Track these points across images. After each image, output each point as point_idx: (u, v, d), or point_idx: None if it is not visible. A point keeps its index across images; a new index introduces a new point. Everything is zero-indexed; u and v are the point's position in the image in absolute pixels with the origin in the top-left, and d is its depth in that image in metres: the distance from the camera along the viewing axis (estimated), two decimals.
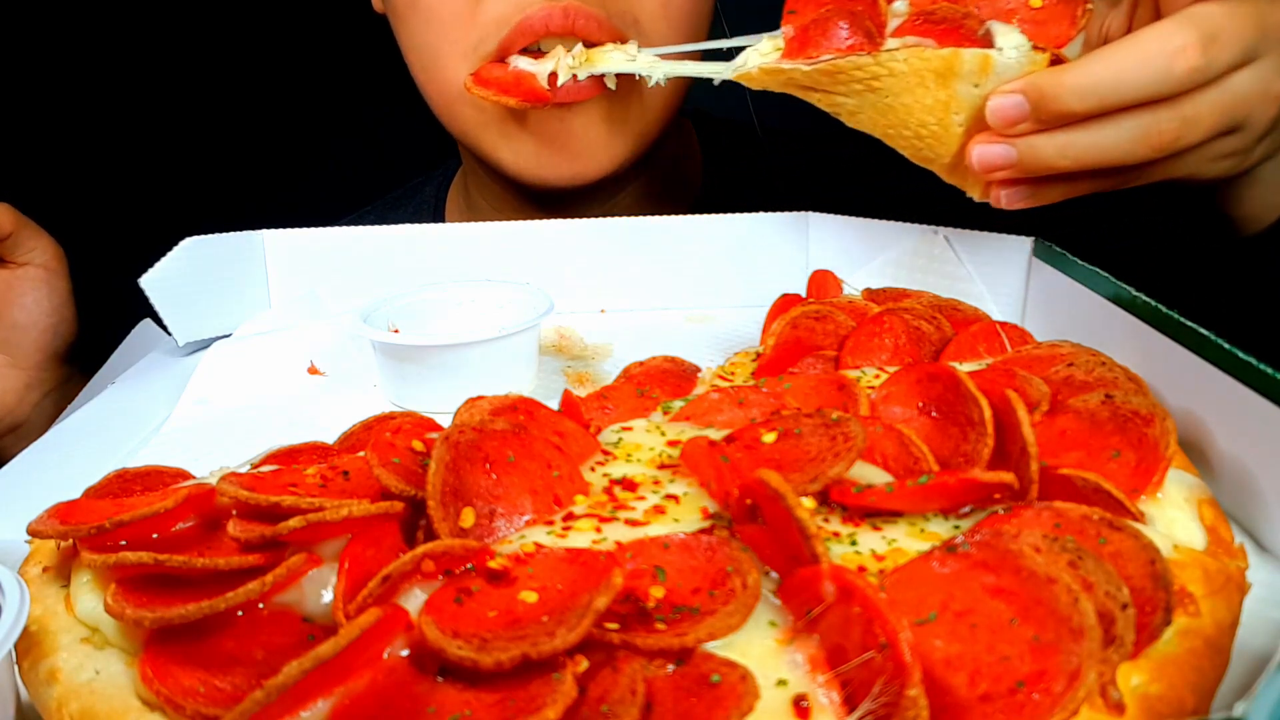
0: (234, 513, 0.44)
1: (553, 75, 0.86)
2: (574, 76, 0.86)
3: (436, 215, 1.21)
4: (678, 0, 0.91)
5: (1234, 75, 0.60)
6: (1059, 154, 0.62)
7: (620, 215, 0.94)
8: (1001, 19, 0.66)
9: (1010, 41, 0.65)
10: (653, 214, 0.93)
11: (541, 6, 0.85)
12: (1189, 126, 0.60)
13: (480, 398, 0.55)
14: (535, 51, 0.88)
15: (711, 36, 0.92)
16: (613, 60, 0.85)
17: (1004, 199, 0.68)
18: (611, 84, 0.87)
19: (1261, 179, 0.72)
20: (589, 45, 0.86)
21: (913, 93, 0.66)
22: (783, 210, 0.91)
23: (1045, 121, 0.62)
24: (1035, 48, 0.64)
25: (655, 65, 0.83)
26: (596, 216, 1.04)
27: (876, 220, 0.87)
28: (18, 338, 0.90)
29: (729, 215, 0.92)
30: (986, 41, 0.65)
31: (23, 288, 0.90)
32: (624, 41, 0.86)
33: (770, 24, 0.73)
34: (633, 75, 0.84)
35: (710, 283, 0.92)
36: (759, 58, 0.71)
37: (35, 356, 0.90)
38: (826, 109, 0.72)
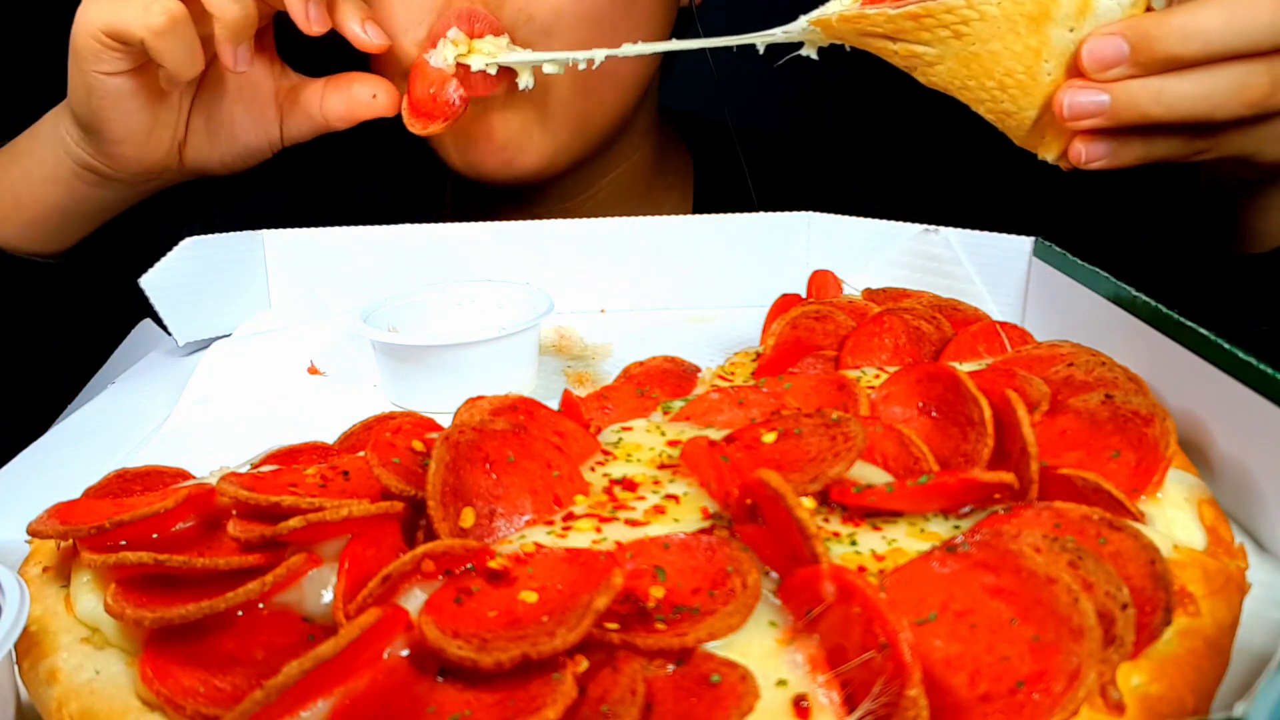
0: (234, 513, 0.44)
1: (463, 69, 0.85)
2: (484, 71, 0.85)
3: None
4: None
5: None
6: (1153, 100, 0.61)
7: (602, 212, 0.93)
8: None
9: None
10: (638, 209, 0.92)
11: (448, 6, 0.85)
12: (1278, 87, 0.60)
13: (480, 398, 0.55)
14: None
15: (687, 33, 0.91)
16: (495, 47, 0.84)
17: (1084, 153, 0.66)
18: (525, 82, 0.86)
19: None
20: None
21: (1002, 39, 0.64)
22: (781, 210, 0.91)
23: (1143, 66, 0.61)
24: None
25: (651, 46, 0.81)
26: (574, 209, 1.03)
27: (876, 220, 0.87)
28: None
29: (729, 215, 0.92)
30: None
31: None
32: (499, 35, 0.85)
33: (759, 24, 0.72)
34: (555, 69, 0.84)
35: (710, 283, 0.92)
36: (839, 6, 0.69)
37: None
38: (901, 63, 0.69)
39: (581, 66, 0.83)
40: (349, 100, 0.90)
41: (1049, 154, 0.70)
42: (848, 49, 0.72)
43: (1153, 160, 0.66)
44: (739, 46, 0.76)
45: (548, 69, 0.85)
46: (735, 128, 1.10)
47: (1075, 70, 0.64)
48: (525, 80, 0.86)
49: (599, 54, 0.82)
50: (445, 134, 0.91)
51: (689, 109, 1.21)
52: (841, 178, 1.15)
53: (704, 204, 1.14)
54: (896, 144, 1.32)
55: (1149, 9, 0.63)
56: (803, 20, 0.71)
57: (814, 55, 0.73)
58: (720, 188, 1.16)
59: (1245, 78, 0.60)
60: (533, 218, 0.91)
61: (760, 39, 0.74)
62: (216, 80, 0.89)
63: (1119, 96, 0.62)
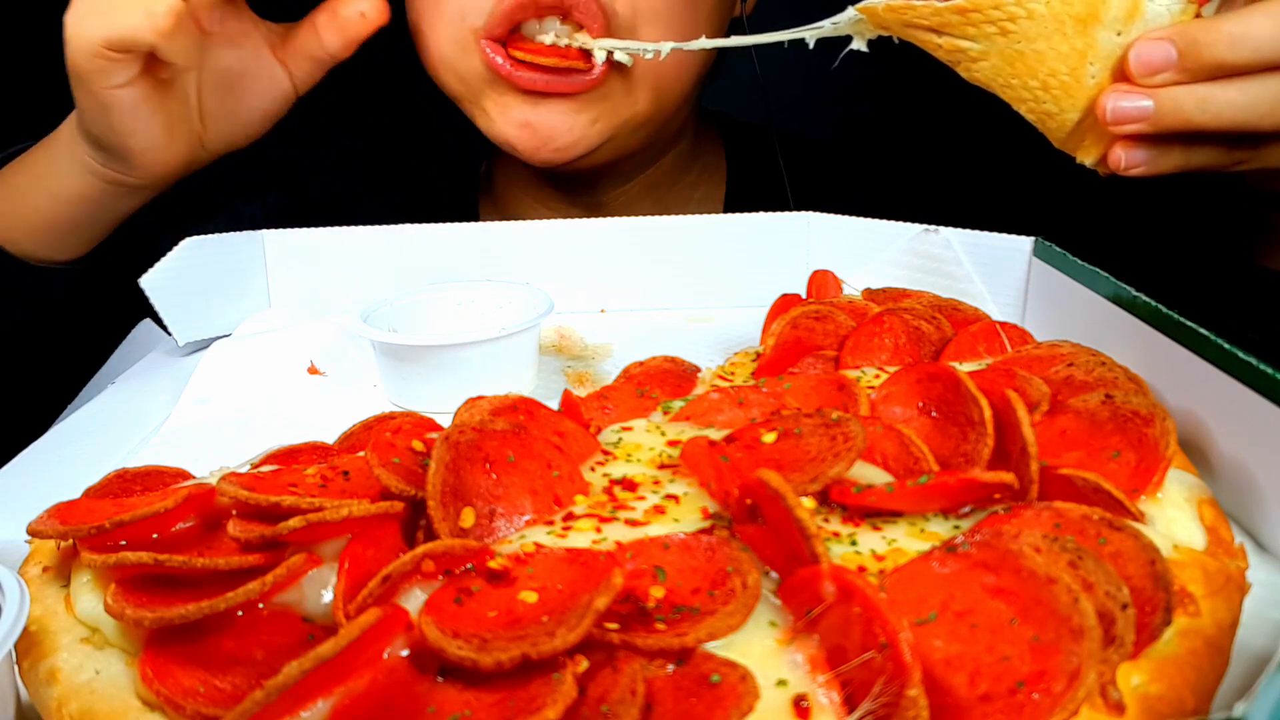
0: (234, 513, 0.44)
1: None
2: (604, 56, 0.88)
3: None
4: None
5: None
6: (1198, 108, 0.61)
7: (641, 200, 0.93)
8: None
9: None
10: (677, 204, 0.92)
11: None
12: None
13: (480, 398, 0.55)
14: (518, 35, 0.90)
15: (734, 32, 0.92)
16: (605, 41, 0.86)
17: (1124, 160, 0.65)
18: (624, 58, 0.88)
19: None
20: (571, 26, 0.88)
21: (1049, 38, 0.63)
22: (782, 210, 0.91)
23: (1190, 72, 0.60)
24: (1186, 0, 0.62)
25: (706, 42, 0.83)
26: (618, 199, 1.03)
27: (876, 220, 0.87)
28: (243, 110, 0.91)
29: (729, 215, 0.92)
30: None
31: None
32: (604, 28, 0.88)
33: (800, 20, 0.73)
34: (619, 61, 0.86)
35: (710, 283, 0.92)
36: None
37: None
38: (945, 58, 0.68)
39: (649, 56, 0.85)
40: (342, 27, 0.89)
41: (1088, 158, 0.69)
42: (896, 41, 0.71)
43: (1191, 169, 0.65)
44: (780, 48, 0.76)
45: (619, 56, 0.87)
46: (774, 131, 1.11)
47: (1120, 75, 0.64)
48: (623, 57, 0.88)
49: (665, 46, 0.84)
50: (490, 111, 0.93)
51: (721, 110, 1.22)
52: (871, 184, 1.15)
53: (735, 204, 1.15)
54: (896, 144, 1.32)
55: (1198, 16, 0.63)
56: (850, 10, 0.71)
57: (864, 48, 0.73)
58: (752, 189, 1.16)
59: None
60: (567, 212, 0.92)
61: (809, 33, 0.74)
62: (214, 59, 0.88)
63: (1164, 103, 0.61)
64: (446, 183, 1.21)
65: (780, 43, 0.75)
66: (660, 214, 0.93)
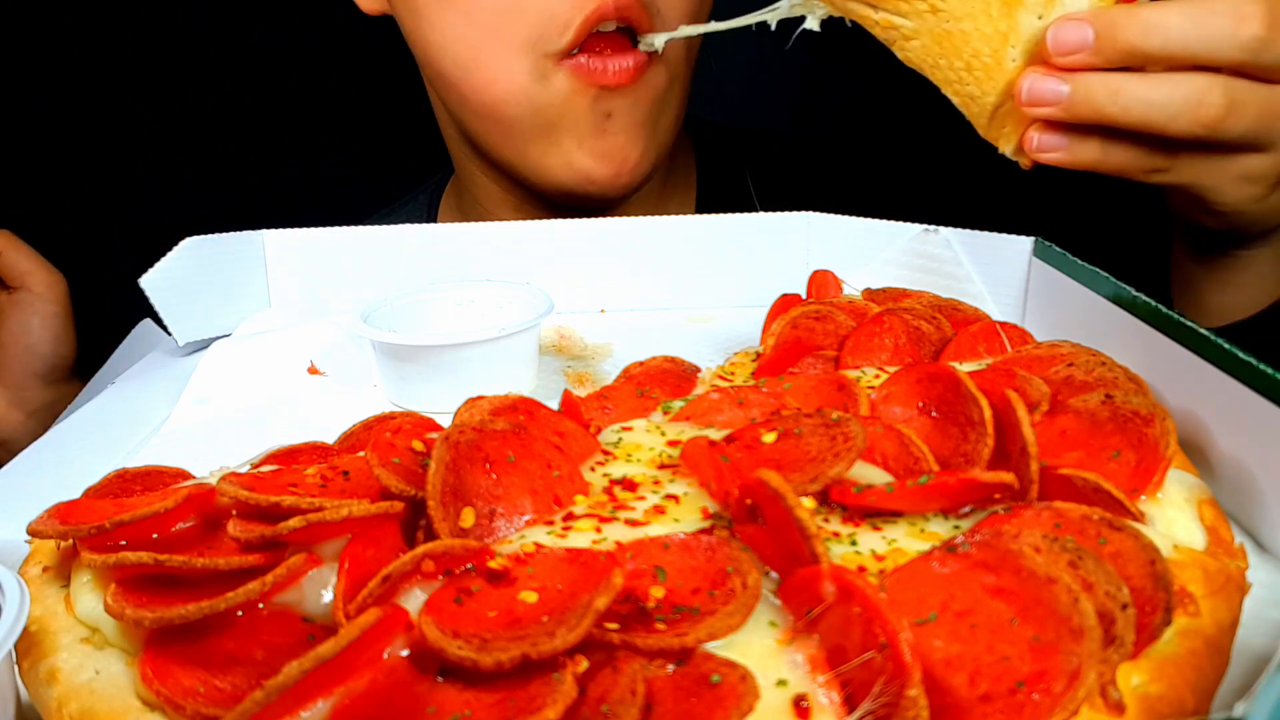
0: (234, 513, 0.44)
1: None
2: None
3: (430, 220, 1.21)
4: None
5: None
6: (1110, 98, 0.62)
7: (620, 214, 0.93)
8: None
9: None
10: (650, 211, 0.93)
11: (597, 2, 0.87)
12: (1234, 112, 0.61)
13: (480, 398, 0.55)
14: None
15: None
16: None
17: (1037, 142, 0.66)
18: (659, 45, 0.90)
19: (1252, 267, 0.74)
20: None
21: (975, 18, 0.65)
22: (782, 210, 0.91)
23: (1105, 55, 0.61)
24: None
25: (686, 30, 0.86)
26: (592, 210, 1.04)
27: (876, 220, 0.87)
28: (2, 358, 0.91)
29: (729, 215, 0.92)
30: None
31: (10, 311, 0.91)
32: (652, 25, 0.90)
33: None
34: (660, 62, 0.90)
35: (710, 283, 0.92)
36: None
37: (17, 377, 0.91)
38: (882, 35, 0.70)
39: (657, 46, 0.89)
40: None
41: (1007, 146, 0.71)
42: (849, 23, 0.72)
43: (1108, 169, 0.66)
44: (742, 45, 0.77)
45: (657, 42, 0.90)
46: (738, 129, 1.11)
47: (1040, 59, 0.65)
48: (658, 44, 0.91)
49: (679, 32, 0.88)
50: (559, 143, 0.95)
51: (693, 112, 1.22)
52: (843, 179, 1.15)
53: (707, 205, 1.15)
54: (897, 144, 1.32)
55: (1117, 4, 0.64)
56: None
57: (816, 27, 0.74)
58: (723, 189, 1.16)
59: (1202, 94, 0.60)
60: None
61: (769, 15, 0.76)
62: None
63: (1077, 89, 0.62)
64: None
65: (740, 37, 0.77)
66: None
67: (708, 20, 0.98)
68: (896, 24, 0.68)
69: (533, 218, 1.08)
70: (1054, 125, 0.66)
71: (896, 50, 0.70)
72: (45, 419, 0.92)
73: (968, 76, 0.68)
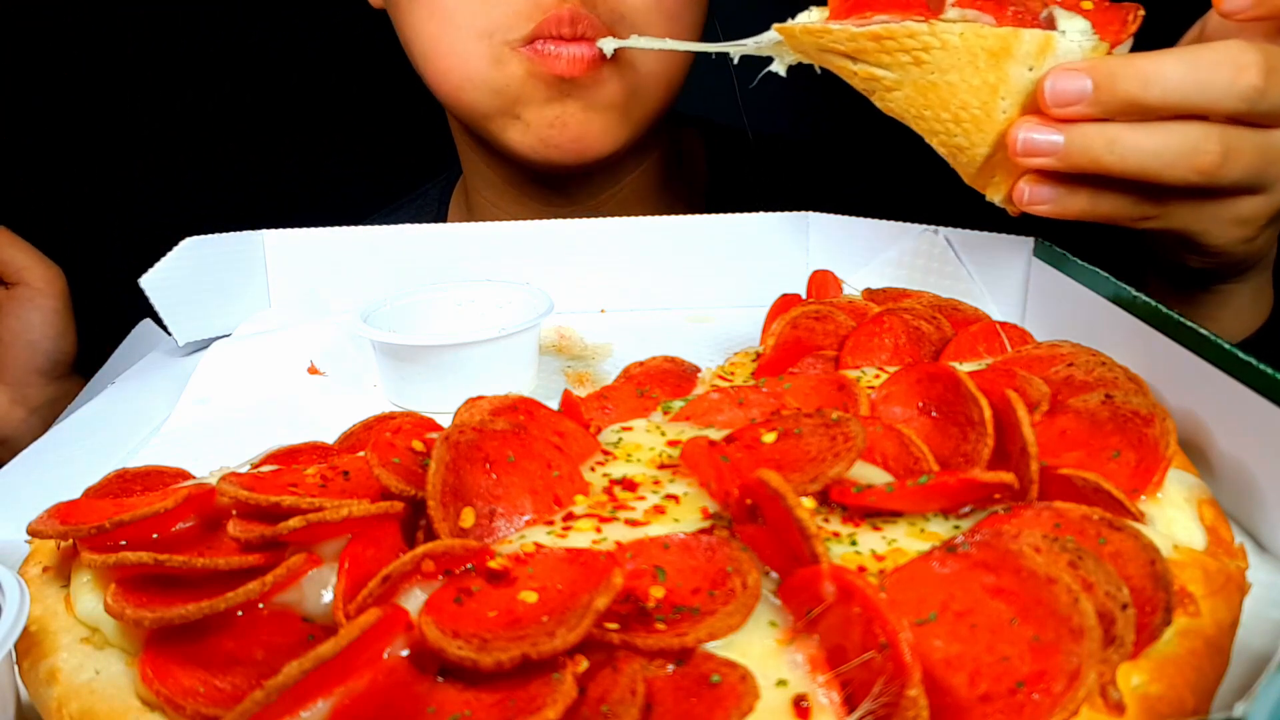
0: (234, 513, 0.44)
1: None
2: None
3: (439, 219, 1.22)
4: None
5: (1276, 131, 0.61)
6: (1107, 148, 0.61)
7: (622, 208, 0.93)
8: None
9: (1075, 26, 0.63)
10: (655, 210, 0.93)
11: (555, 7, 0.88)
12: (1230, 159, 0.60)
13: (480, 398, 0.55)
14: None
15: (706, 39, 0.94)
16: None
17: (1028, 195, 0.65)
18: (608, 50, 0.90)
19: (1231, 303, 0.74)
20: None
21: (961, 70, 0.64)
22: (782, 210, 0.91)
23: (1103, 106, 0.61)
24: (1100, 37, 0.63)
25: (659, 42, 0.85)
26: (598, 207, 1.05)
27: (876, 220, 0.87)
28: (2, 354, 0.91)
29: (729, 215, 0.92)
30: (1048, 25, 0.63)
31: (9, 307, 0.90)
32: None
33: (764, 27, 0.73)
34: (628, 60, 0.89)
35: (710, 283, 0.92)
36: (805, 18, 0.69)
37: (18, 374, 0.91)
38: (861, 85, 0.69)
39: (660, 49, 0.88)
40: None
41: (996, 195, 0.70)
42: (818, 70, 0.72)
43: (1098, 218, 0.66)
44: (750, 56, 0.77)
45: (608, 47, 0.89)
46: (750, 133, 1.11)
47: (1032, 110, 0.64)
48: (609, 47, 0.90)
49: (650, 42, 0.86)
50: (519, 119, 0.95)
51: (703, 114, 1.22)
52: (843, 179, 1.15)
53: (715, 206, 1.15)
54: (897, 144, 1.32)
55: (1110, 54, 0.63)
56: (771, 31, 0.72)
57: (782, 72, 0.74)
58: (732, 190, 1.16)
59: (1200, 141, 0.60)
60: (555, 217, 0.93)
61: (733, 48, 0.75)
62: None
63: (1073, 139, 0.62)
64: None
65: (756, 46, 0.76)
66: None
67: (698, 36, 0.98)
68: (878, 75, 0.67)
69: (531, 203, 1.09)
70: (1046, 176, 0.65)
71: (877, 100, 0.69)
72: (47, 416, 0.92)
73: (955, 128, 0.67)
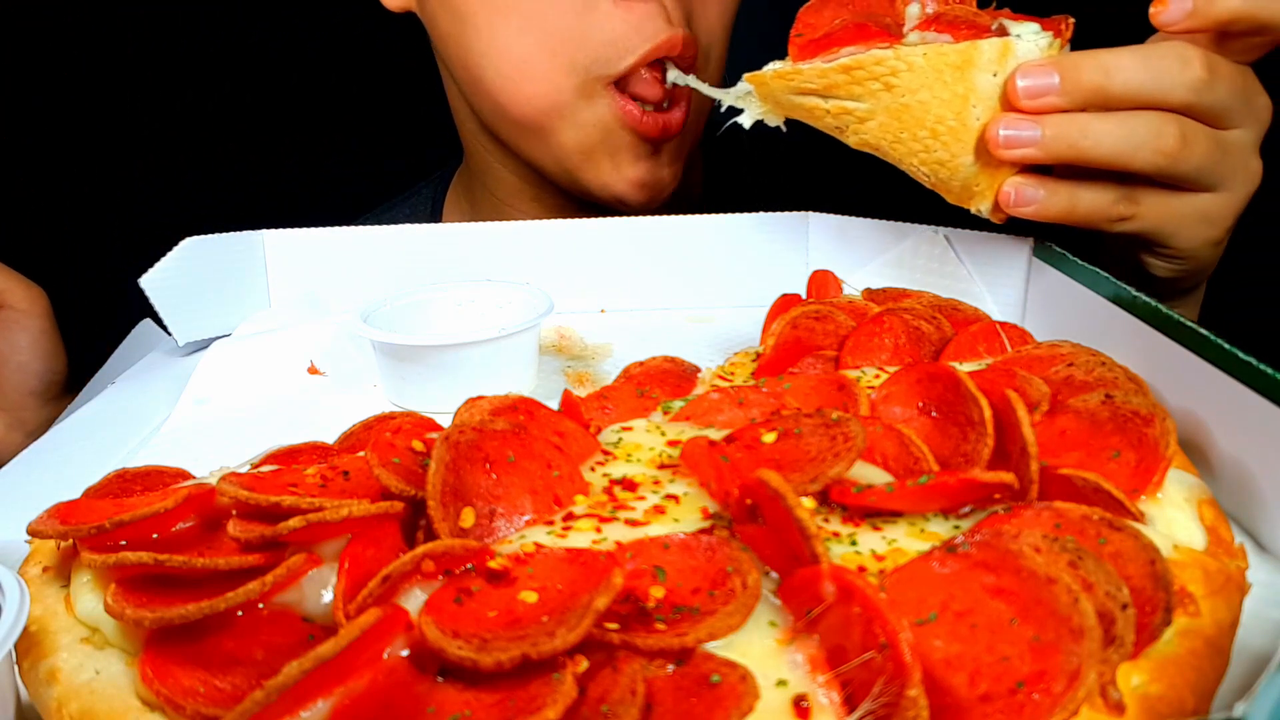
0: (234, 513, 0.44)
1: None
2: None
3: (434, 217, 1.21)
4: (727, 22, 0.98)
5: (1226, 132, 0.67)
6: (1081, 134, 0.65)
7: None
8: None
9: (1026, 29, 0.66)
10: (655, 212, 0.93)
11: (665, 37, 0.89)
12: (1188, 144, 0.65)
13: (480, 398, 0.55)
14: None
15: None
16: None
17: (1015, 196, 0.69)
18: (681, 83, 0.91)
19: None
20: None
21: (931, 88, 0.66)
22: (782, 210, 0.91)
23: (1070, 95, 0.65)
24: (1052, 35, 0.66)
25: (708, 89, 0.85)
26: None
27: (876, 220, 0.87)
28: None
29: (729, 215, 0.92)
30: (1000, 34, 0.67)
31: None
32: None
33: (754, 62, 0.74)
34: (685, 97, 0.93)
35: (710, 283, 0.92)
36: (774, 65, 0.71)
37: (13, 397, 0.91)
38: (832, 123, 0.71)
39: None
40: None
41: (982, 204, 0.72)
42: (783, 127, 0.74)
43: (1079, 218, 0.69)
44: (744, 45, 0.77)
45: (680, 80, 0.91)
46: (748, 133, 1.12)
47: (1006, 110, 0.67)
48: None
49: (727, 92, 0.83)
50: (615, 160, 0.97)
51: None
52: (843, 179, 1.15)
53: (714, 206, 1.16)
54: None
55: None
56: (742, 83, 0.73)
57: (747, 125, 0.75)
58: (730, 191, 1.16)
59: (1161, 126, 0.64)
60: (570, 216, 0.93)
61: (716, 94, 0.77)
62: None
63: (1050, 128, 0.65)
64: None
65: (741, 38, 0.77)
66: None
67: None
68: (850, 108, 0.69)
69: (550, 208, 1.09)
70: (1030, 175, 0.69)
71: (849, 136, 0.71)
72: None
73: (934, 143, 0.69)
